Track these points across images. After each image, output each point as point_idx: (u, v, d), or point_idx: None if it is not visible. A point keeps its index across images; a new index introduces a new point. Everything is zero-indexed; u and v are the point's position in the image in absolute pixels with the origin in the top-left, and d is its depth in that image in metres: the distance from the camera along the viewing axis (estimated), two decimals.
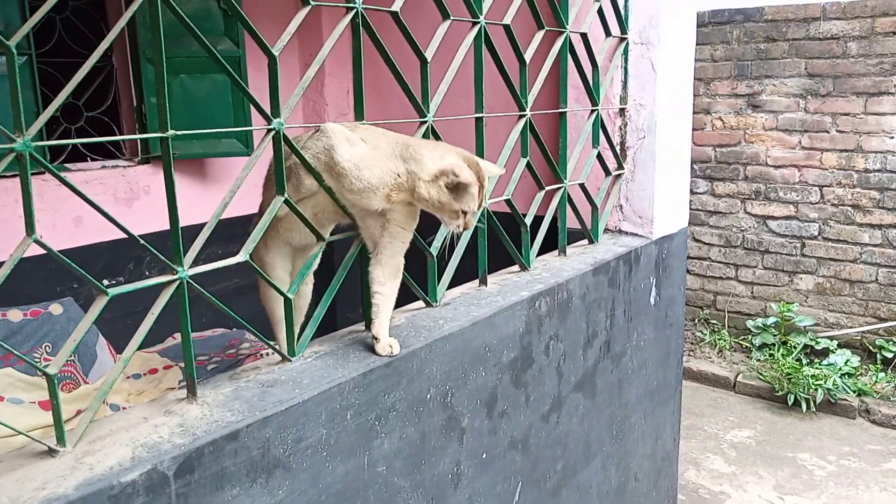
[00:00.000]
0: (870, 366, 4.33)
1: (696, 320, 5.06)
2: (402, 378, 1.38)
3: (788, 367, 4.16)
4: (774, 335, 4.60)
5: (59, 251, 0.96)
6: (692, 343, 4.87)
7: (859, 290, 4.46)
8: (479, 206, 1.28)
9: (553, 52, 1.91)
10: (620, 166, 2.33)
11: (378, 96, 3.07)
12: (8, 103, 0.90)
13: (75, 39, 2.96)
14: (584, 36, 2.03)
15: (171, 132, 1.04)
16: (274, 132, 1.19)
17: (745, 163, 4.72)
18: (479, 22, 1.62)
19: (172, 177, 1.07)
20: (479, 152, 1.69)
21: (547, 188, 1.96)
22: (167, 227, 1.07)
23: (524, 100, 1.79)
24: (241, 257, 1.18)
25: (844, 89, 4.31)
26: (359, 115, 1.37)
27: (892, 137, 4.20)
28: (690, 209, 4.87)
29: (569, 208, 2.06)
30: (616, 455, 2.24)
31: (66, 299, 2.15)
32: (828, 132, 4.41)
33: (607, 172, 2.28)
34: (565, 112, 2.01)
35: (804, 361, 4.35)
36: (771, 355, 4.50)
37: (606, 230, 2.38)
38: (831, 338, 4.48)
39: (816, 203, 4.52)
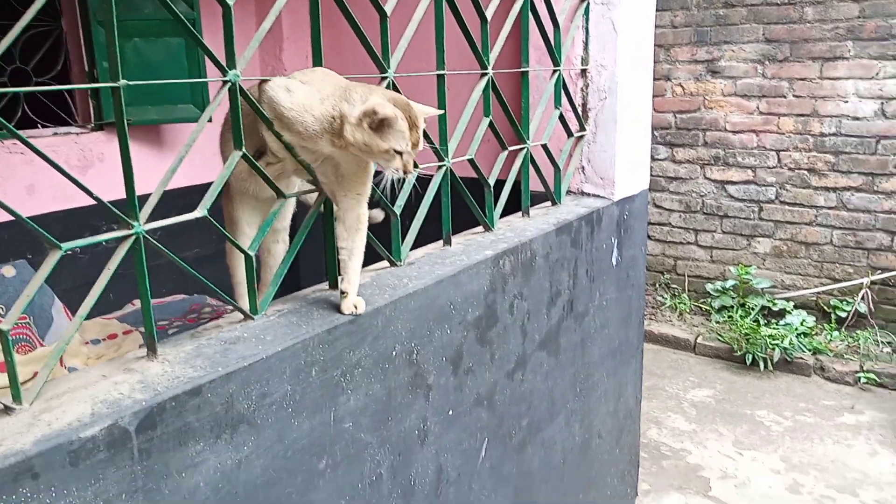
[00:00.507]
0: (825, 325, 4.47)
1: (657, 285, 5.14)
2: (367, 335, 1.38)
3: (746, 329, 4.26)
4: (733, 298, 4.71)
5: (12, 221, 0.93)
6: (653, 307, 4.96)
7: (815, 252, 4.57)
8: (415, 146, 1.24)
9: (514, 11, 1.90)
10: (582, 128, 2.34)
11: (339, 58, 3.03)
12: None
13: (22, 1, 2.85)
14: None
15: (122, 81, 1.01)
16: (230, 84, 1.17)
17: (705, 129, 4.78)
18: None
19: (125, 127, 1.04)
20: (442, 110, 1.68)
21: (510, 149, 1.96)
22: (123, 195, 1.05)
23: (486, 58, 1.78)
24: (200, 212, 1.16)
25: (801, 54, 4.37)
26: (316, 61, 1.34)
27: (847, 102, 4.29)
28: (651, 175, 4.92)
29: (532, 170, 2.07)
30: (580, 412, 2.27)
31: (20, 261, 2.09)
32: (785, 97, 4.48)
33: (569, 134, 2.28)
34: (527, 72, 2.01)
35: (762, 322, 4.46)
36: (730, 317, 4.60)
37: (569, 192, 2.40)
38: (788, 299, 4.60)
39: (774, 167, 4.60)
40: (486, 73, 1.79)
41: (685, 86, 4.79)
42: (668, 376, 4.18)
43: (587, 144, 2.36)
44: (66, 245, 0.98)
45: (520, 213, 2.11)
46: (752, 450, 3.38)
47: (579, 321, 2.20)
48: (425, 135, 1.58)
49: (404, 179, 1.29)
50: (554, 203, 2.24)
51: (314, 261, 1.96)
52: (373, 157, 1.23)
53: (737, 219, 4.80)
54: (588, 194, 2.37)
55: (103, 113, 2.83)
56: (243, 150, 1.21)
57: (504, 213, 2.05)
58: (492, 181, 1.89)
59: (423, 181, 1.59)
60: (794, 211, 4.59)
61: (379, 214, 1.56)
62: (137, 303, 2.46)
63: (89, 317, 2.36)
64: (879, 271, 4.35)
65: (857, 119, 4.28)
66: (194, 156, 1.59)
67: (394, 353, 1.45)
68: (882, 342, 4.28)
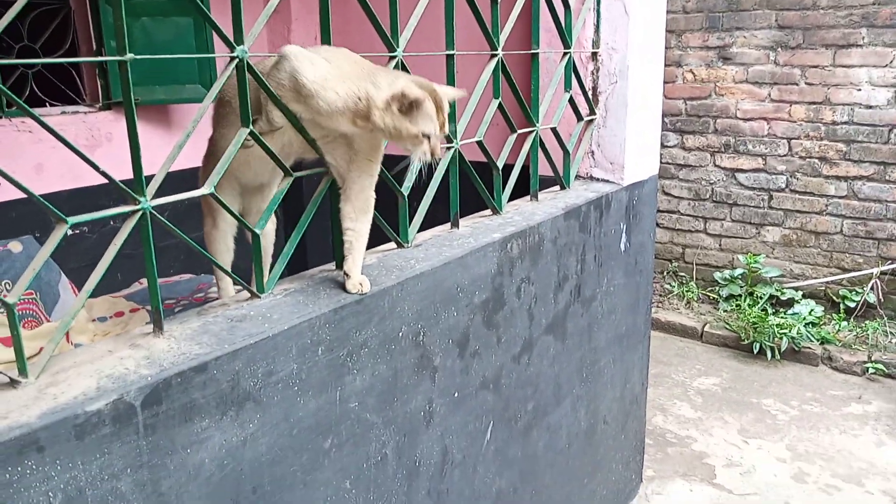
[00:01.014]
0: (833, 315, 4.44)
1: (665, 273, 5.12)
2: (374, 315, 1.37)
3: (754, 317, 4.25)
4: (741, 286, 4.69)
5: (20, 199, 0.93)
6: (661, 295, 4.94)
7: (824, 242, 4.54)
8: (442, 128, 1.24)
9: None
10: (592, 111, 2.32)
11: (346, 41, 3.01)
12: None
13: None
14: None
15: (129, 55, 1.00)
16: (238, 60, 1.15)
17: (716, 116, 4.74)
18: None
19: (132, 103, 1.03)
20: None
21: (519, 131, 1.94)
22: (131, 175, 1.04)
23: (496, 39, 1.76)
24: (207, 189, 1.15)
25: (814, 41, 4.33)
26: (325, 39, 1.33)
27: (860, 90, 4.24)
28: (661, 163, 4.89)
29: (541, 154, 2.05)
30: (586, 397, 2.27)
31: (26, 237, 2.09)
32: (797, 85, 4.43)
33: (579, 118, 2.27)
34: (537, 54, 1.99)
35: (770, 311, 4.44)
36: (737, 306, 4.59)
37: (578, 176, 2.38)
38: (796, 288, 4.57)
39: (784, 156, 4.56)
40: (495, 55, 1.78)
41: (696, 72, 4.74)
42: (675, 364, 4.17)
43: (597, 128, 2.34)
44: (71, 219, 0.98)
45: (528, 197, 2.10)
46: (758, 438, 3.37)
47: (586, 306, 2.19)
48: None
49: (432, 164, 1.28)
50: (563, 187, 2.22)
51: (320, 241, 1.95)
52: (401, 141, 1.22)
53: (746, 207, 4.76)
54: (597, 179, 2.36)
55: (111, 92, 2.82)
56: (251, 126, 1.20)
57: (512, 197, 2.04)
58: (500, 164, 1.88)
59: (430, 165, 1.59)
60: (805, 200, 4.56)
61: None
62: (144, 281, 2.46)
63: (96, 295, 2.37)
64: (889, 261, 4.32)
65: (870, 107, 4.23)
66: (203, 137, 1.58)
67: (400, 334, 1.44)
68: (891, 333, 4.25)
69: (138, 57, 1.02)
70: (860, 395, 3.77)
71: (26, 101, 2.72)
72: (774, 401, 3.72)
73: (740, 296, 4.67)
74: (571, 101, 2.19)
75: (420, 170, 1.58)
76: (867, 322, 4.32)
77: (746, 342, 4.22)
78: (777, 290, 4.57)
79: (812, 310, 4.38)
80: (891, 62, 4.13)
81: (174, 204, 1.11)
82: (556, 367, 2.06)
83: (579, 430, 2.27)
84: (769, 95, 4.54)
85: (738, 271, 4.72)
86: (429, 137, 1.22)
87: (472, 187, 1.83)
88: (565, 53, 2.11)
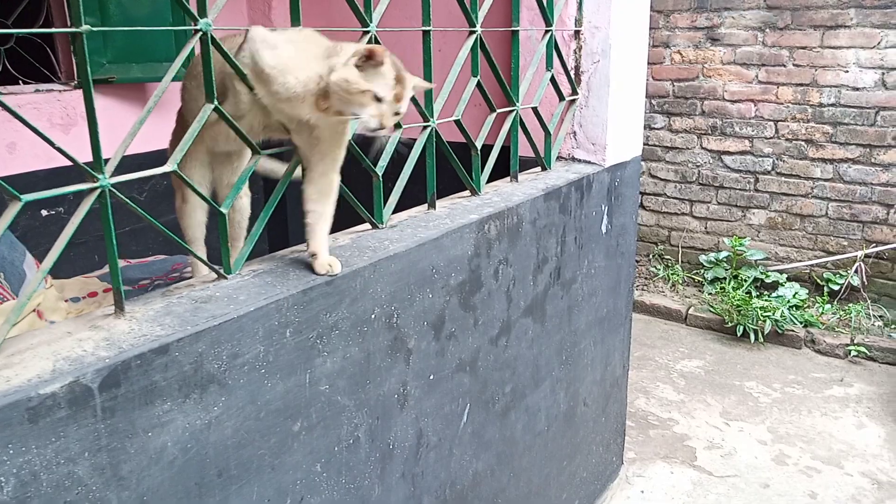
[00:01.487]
0: (817, 298, 4.46)
1: (651, 255, 5.12)
2: (345, 297, 1.35)
3: (738, 300, 4.25)
4: (726, 269, 4.69)
5: None
6: (646, 278, 4.94)
7: (809, 225, 4.54)
8: (397, 100, 1.18)
9: None
10: (574, 91, 2.29)
11: (326, 15, 2.96)
12: None
13: None
14: None
15: (85, 27, 0.97)
16: (201, 34, 1.12)
17: (703, 97, 4.72)
18: None
19: (89, 77, 1.00)
20: (427, 70, 1.64)
21: (499, 111, 1.91)
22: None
23: (475, 15, 1.73)
24: (169, 167, 1.12)
25: (802, 22, 4.30)
26: (295, 20, 1.30)
27: (847, 72, 4.23)
28: (647, 145, 4.88)
29: (521, 135, 2.02)
30: (565, 380, 2.26)
31: None
32: (784, 66, 4.41)
33: (561, 97, 2.24)
34: (517, 31, 1.95)
35: (754, 294, 4.45)
36: (722, 289, 4.59)
37: (559, 157, 2.36)
38: (781, 271, 4.58)
39: (771, 138, 4.55)
40: (474, 31, 1.74)
41: (684, 53, 4.71)
42: (659, 347, 4.17)
43: (579, 109, 2.31)
44: (25, 197, 0.95)
45: (508, 178, 2.08)
46: (740, 420, 3.39)
47: (566, 288, 2.17)
48: (412, 98, 1.54)
49: (384, 141, 1.24)
50: (543, 168, 2.20)
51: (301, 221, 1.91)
52: (350, 100, 1.15)
53: (732, 190, 4.76)
54: (579, 160, 2.33)
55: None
56: (215, 102, 1.17)
57: (492, 178, 2.01)
58: (479, 144, 1.85)
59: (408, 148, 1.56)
60: (791, 182, 4.55)
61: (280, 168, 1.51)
62: (121, 262, 2.43)
63: (71, 275, 2.33)
64: (874, 244, 4.33)
65: (857, 89, 4.22)
66: (171, 115, 1.55)
67: (373, 316, 1.42)
68: (874, 315, 4.27)
69: (95, 29, 0.99)
70: (842, 377, 3.79)
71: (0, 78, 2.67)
72: (757, 383, 3.74)
73: (725, 279, 4.67)
74: (553, 80, 2.16)
75: (395, 150, 1.56)
76: (851, 305, 4.33)
77: (730, 325, 4.23)
78: (762, 273, 4.58)
79: (796, 293, 4.39)
80: (878, 44, 4.11)
81: (152, 184, 1.09)
82: (534, 349, 2.05)
83: (558, 412, 2.26)
84: (756, 77, 4.51)
85: (724, 254, 4.73)
86: (380, 101, 1.16)
87: (451, 168, 1.80)
88: (547, 31, 2.08)
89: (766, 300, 4.31)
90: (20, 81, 2.74)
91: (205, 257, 1.35)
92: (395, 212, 1.68)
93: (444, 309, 1.63)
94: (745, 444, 3.18)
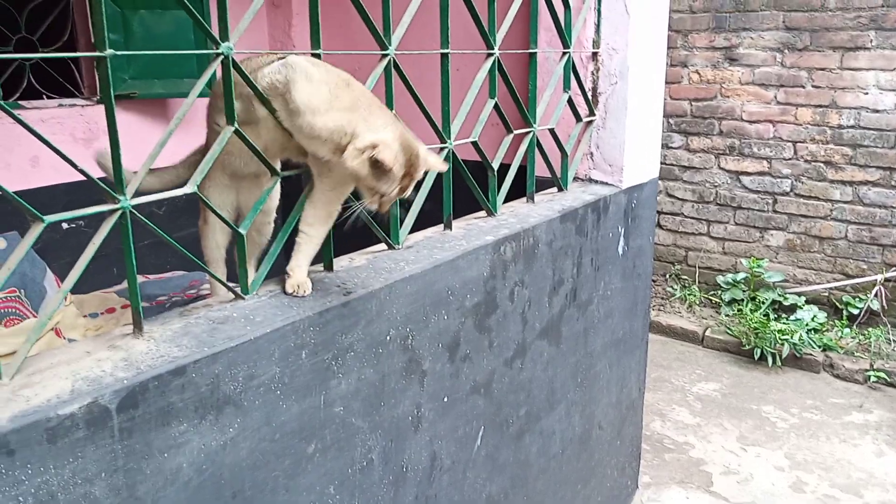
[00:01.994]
0: (836, 321, 4.40)
1: (668, 275, 5.09)
2: (361, 318, 1.35)
3: (756, 322, 4.21)
4: (744, 291, 4.65)
5: (14, 192, 0.91)
6: (663, 298, 4.91)
7: (828, 247, 4.50)
8: (402, 192, 1.22)
9: None
10: (592, 112, 2.29)
11: (347, 35, 2.98)
12: None
13: None
14: None
15: (109, 51, 0.98)
16: (223, 57, 1.13)
17: (721, 117, 4.70)
18: None
19: (112, 102, 1.01)
20: (445, 93, 1.65)
21: (515, 132, 1.92)
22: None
23: (492, 38, 1.74)
24: (189, 188, 1.13)
25: (821, 43, 4.28)
26: (315, 43, 1.31)
27: (867, 93, 4.20)
28: (665, 164, 4.86)
29: (538, 155, 2.03)
30: (580, 402, 2.25)
31: (11, 233, 2.06)
32: (803, 87, 4.39)
33: (578, 118, 2.24)
34: (535, 53, 1.96)
35: (772, 317, 4.41)
36: (739, 310, 4.55)
37: (576, 178, 2.36)
38: (799, 294, 4.54)
39: (790, 159, 4.53)
40: (492, 54, 1.75)
41: (702, 73, 4.71)
42: (675, 368, 4.14)
43: (596, 130, 2.31)
44: (48, 218, 0.96)
45: (524, 199, 2.08)
46: (757, 446, 3.34)
47: (582, 310, 2.16)
48: (428, 118, 1.55)
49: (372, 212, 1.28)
50: (560, 189, 2.20)
51: None
52: (356, 183, 1.22)
53: (750, 210, 4.73)
54: (595, 181, 2.33)
55: None
56: (235, 125, 1.18)
57: (509, 199, 2.01)
58: (496, 165, 1.85)
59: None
60: (809, 204, 4.52)
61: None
62: (139, 278, 2.45)
63: (88, 290, 2.35)
64: (894, 268, 4.28)
65: (877, 111, 4.19)
66: (194, 132, 1.56)
67: (388, 337, 1.42)
68: (894, 341, 4.21)
69: (119, 53, 1.00)
70: (861, 403, 3.74)
71: (23, 93, 2.72)
72: (774, 408, 3.69)
73: (742, 300, 4.63)
74: (570, 101, 2.16)
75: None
76: (870, 329, 4.28)
77: (748, 347, 4.18)
78: (780, 295, 4.53)
79: (815, 316, 4.34)
80: None
81: (172, 199, 1.10)
82: (549, 371, 2.04)
83: (573, 435, 2.24)
84: (775, 98, 4.50)
85: (741, 275, 4.69)
86: (382, 196, 1.21)
87: (467, 186, 1.80)
88: (564, 53, 2.08)
89: (784, 323, 4.27)
90: (44, 96, 2.78)
91: (224, 277, 1.36)
92: (410, 231, 1.69)
93: (459, 331, 1.63)
94: (762, 470, 3.14)
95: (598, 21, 2.21)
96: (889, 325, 4.28)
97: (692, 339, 4.47)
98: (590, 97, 2.27)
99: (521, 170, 1.98)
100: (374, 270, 1.46)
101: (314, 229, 1.33)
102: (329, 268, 1.43)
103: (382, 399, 1.43)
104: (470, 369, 1.69)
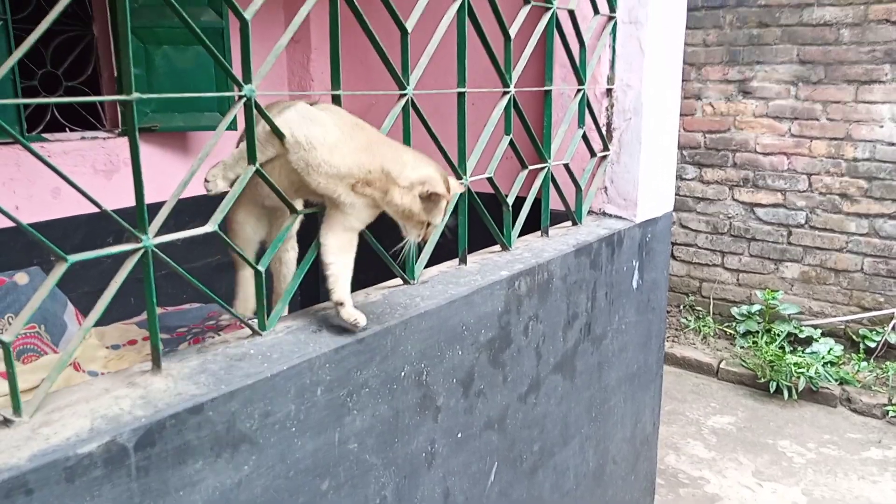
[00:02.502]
0: (852, 355, 4.35)
1: (682, 307, 5.06)
2: (376, 355, 1.36)
3: (771, 355, 4.17)
4: (759, 323, 4.61)
5: (36, 223, 0.93)
6: (676, 329, 4.88)
7: (844, 280, 4.46)
8: (442, 218, 1.29)
9: (539, 29, 1.88)
10: (606, 148, 2.30)
11: (366, 72, 3.03)
12: None
13: (53, 5, 2.89)
14: (571, 13, 1.99)
15: (135, 95, 1.01)
16: (245, 99, 1.16)
17: (735, 149, 4.71)
18: None
19: (137, 142, 1.04)
20: (462, 130, 1.67)
21: (530, 167, 1.93)
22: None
23: (508, 76, 1.76)
24: (210, 227, 1.15)
25: (836, 77, 4.29)
26: (335, 84, 1.33)
27: (882, 126, 4.20)
28: (678, 195, 4.86)
29: (552, 189, 2.04)
30: (594, 437, 2.23)
31: (33, 268, 2.09)
32: (818, 120, 4.39)
33: (592, 154, 2.25)
34: (550, 90, 1.98)
35: (787, 349, 4.36)
36: (754, 343, 4.51)
37: (590, 212, 2.36)
38: (815, 326, 4.50)
39: (804, 191, 4.51)
40: (507, 92, 1.77)
41: (716, 105, 4.72)
42: (689, 401, 4.10)
43: (610, 165, 2.32)
44: (71, 258, 0.98)
45: (539, 233, 2.09)
46: (773, 481, 3.29)
47: (597, 344, 2.16)
48: (444, 154, 1.57)
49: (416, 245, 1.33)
50: (574, 223, 2.21)
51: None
52: (407, 221, 1.27)
53: (765, 242, 4.71)
54: (610, 215, 2.34)
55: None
56: (257, 164, 1.20)
57: (524, 231, 2.02)
58: (511, 200, 1.86)
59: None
60: (824, 236, 4.49)
61: None
62: (158, 310, 2.46)
63: (108, 320, 2.37)
64: None
65: (893, 144, 4.18)
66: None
67: (402, 373, 1.42)
68: None
69: (144, 96, 1.03)
70: (880, 438, 3.68)
71: (47, 126, 2.77)
72: (791, 442, 3.64)
73: (757, 332, 4.59)
74: (585, 136, 2.18)
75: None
76: (888, 363, 4.22)
77: (763, 380, 4.14)
78: (795, 328, 4.49)
79: (831, 349, 4.29)
80: None
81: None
82: (563, 406, 2.03)
83: (587, 470, 2.22)
84: (789, 130, 4.50)
85: (756, 307, 4.66)
86: (429, 225, 1.26)
87: (480, 220, 1.82)
88: (579, 90, 2.11)
89: (799, 356, 4.22)
90: (67, 128, 2.83)
91: (250, 301, 1.36)
92: (426, 265, 1.70)
93: (474, 366, 1.63)
94: None
95: (613, 58, 2.23)
96: None
97: (707, 371, 4.43)
98: (604, 132, 2.29)
99: (536, 202, 1.99)
100: (389, 306, 1.47)
101: (341, 258, 1.32)
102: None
103: (396, 435, 1.43)
104: (484, 405, 1.68)
